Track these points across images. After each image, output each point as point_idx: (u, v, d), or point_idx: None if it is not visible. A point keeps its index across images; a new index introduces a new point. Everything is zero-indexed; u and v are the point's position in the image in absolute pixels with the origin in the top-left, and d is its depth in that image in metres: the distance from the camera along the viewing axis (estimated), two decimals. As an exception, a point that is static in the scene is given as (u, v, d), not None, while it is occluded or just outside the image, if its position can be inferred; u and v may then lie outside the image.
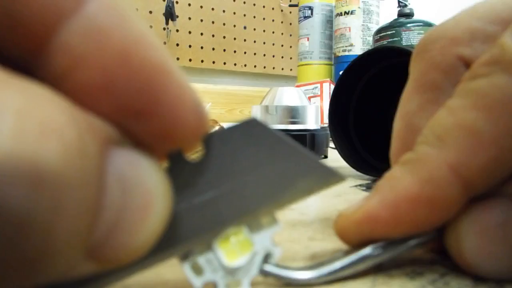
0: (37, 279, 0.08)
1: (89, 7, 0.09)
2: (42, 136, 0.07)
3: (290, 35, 1.54)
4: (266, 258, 0.13)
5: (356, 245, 0.14)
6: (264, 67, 1.52)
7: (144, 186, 0.09)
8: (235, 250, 0.12)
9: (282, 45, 1.55)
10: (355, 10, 1.08)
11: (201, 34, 1.39)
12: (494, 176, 0.13)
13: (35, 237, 0.07)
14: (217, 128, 0.63)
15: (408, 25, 0.93)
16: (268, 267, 0.13)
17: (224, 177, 0.12)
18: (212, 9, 1.41)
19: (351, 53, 1.08)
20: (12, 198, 0.07)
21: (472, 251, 0.13)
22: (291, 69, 1.55)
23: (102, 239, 0.08)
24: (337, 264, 0.14)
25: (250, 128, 0.12)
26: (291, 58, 1.54)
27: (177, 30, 1.34)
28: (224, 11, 1.43)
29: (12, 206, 0.07)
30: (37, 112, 0.07)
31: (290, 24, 1.54)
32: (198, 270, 0.12)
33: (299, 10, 1.23)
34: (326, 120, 0.72)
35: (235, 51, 1.46)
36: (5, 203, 0.06)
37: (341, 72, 0.39)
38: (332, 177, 0.13)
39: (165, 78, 0.10)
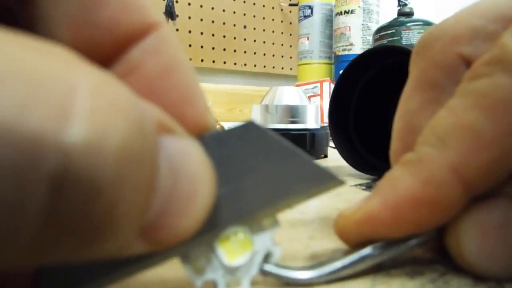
0: (95, 252, 0.08)
1: (152, 36, 0.12)
2: (112, 115, 0.08)
3: (290, 34, 1.54)
4: (266, 257, 0.13)
5: (356, 245, 0.14)
6: (264, 67, 1.52)
7: (192, 173, 0.10)
8: (235, 249, 0.12)
9: (282, 44, 1.55)
10: (355, 9, 1.07)
11: (201, 33, 1.39)
12: (495, 177, 0.13)
13: (102, 206, 0.08)
14: (217, 127, 0.62)
15: (408, 24, 0.93)
16: (268, 267, 0.13)
17: (222, 179, 0.12)
18: (212, 8, 1.41)
19: (351, 52, 1.08)
20: (86, 169, 0.07)
21: (472, 250, 0.13)
22: (291, 68, 1.55)
23: (153, 220, 0.09)
24: (337, 264, 0.14)
25: (248, 131, 0.12)
26: (291, 57, 1.54)
27: (177, 30, 1.34)
28: (224, 10, 1.43)
29: (86, 175, 0.07)
30: (107, 93, 0.08)
31: (290, 23, 1.54)
32: (198, 269, 0.12)
33: (299, 9, 1.23)
34: (326, 119, 0.72)
35: (235, 51, 1.46)
36: (80, 174, 0.07)
37: (341, 72, 0.39)
38: (331, 180, 0.13)
39: (192, 97, 0.12)
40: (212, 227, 0.12)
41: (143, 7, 0.12)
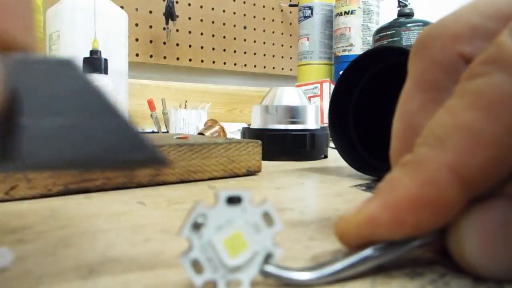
0: None
1: None
2: None
3: (290, 35, 1.54)
4: (267, 258, 0.13)
5: (356, 248, 0.14)
6: (264, 67, 1.52)
7: None
8: (235, 248, 0.12)
9: (282, 45, 1.55)
10: (355, 10, 1.08)
11: (201, 34, 1.39)
12: (494, 176, 0.13)
13: None
14: (210, 125, 0.62)
15: (408, 25, 0.93)
16: (268, 268, 0.13)
17: (30, 109, 0.10)
18: (212, 9, 1.41)
19: (351, 53, 1.08)
20: None
21: (473, 252, 0.13)
22: (291, 69, 1.55)
23: None
24: (338, 265, 0.14)
25: (67, 69, 0.11)
26: (291, 58, 1.54)
27: (177, 30, 1.34)
28: (224, 11, 1.43)
29: None
30: None
31: (290, 24, 1.54)
32: (198, 269, 0.12)
33: (299, 10, 1.23)
34: (326, 120, 0.72)
35: (235, 51, 1.46)
36: None
37: (341, 72, 0.39)
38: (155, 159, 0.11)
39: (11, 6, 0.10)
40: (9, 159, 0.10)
41: None
